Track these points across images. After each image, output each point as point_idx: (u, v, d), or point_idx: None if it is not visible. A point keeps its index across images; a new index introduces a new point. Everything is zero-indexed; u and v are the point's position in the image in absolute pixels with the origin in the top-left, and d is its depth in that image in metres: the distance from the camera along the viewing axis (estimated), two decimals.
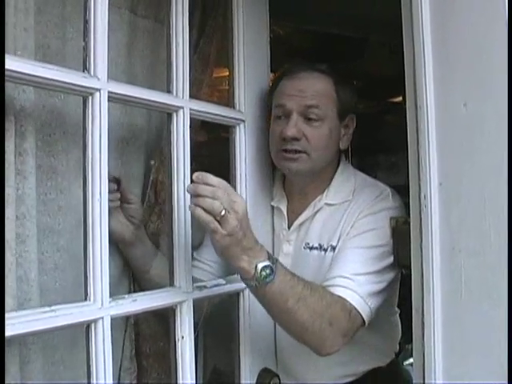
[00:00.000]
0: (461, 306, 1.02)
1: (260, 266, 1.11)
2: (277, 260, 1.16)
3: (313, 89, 1.41)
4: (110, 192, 1.27)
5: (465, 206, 1.02)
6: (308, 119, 1.40)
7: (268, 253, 1.15)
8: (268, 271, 1.11)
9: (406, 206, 1.20)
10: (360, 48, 2.81)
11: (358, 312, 1.27)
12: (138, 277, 1.43)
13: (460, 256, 1.03)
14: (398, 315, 1.59)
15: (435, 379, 1.04)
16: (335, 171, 1.49)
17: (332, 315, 1.22)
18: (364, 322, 1.29)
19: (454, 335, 1.03)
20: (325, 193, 1.47)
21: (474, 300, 1.01)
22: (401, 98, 3.10)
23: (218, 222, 1.04)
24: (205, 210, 1.03)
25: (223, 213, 1.03)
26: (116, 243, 1.36)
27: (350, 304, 1.26)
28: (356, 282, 1.28)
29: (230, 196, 1.05)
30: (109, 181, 1.26)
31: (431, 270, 1.05)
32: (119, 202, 1.34)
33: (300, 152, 1.39)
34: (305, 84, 1.42)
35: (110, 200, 1.26)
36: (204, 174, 1.05)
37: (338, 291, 1.27)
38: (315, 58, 2.74)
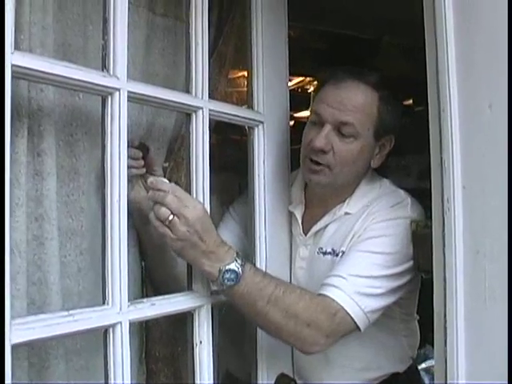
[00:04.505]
0: (485, 312, 1.00)
1: (223, 269, 1.12)
2: (246, 262, 1.16)
3: (352, 103, 1.33)
4: (133, 158, 1.21)
5: (489, 210, 1.00)
6: (341, 134, 1.34)
7: (237, 255, 1.14)
8: (231, 275, 1.12)
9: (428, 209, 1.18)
10: (372, 49, 2.78)
11: (347, 313, 1.23)
12: (161, 274, 1.37)
13: (484, 260, 1.01)
14: (416, 321, 1.56)
15: None
16: (360, 181, 1.44)
17: (310, 317, 1.20)
18: (355, 323, 1.24)
19: (478, 341, 1.01)
20: (346, 201, 1.43)
21: (498, 305, 0.98)
22: (411, 101, 3.08)
23: (168, 226, 1.06)
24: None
25: (170, 218, 1.06)
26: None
27: (338, 304, 1.22)
28: (349, 282, 1.24)
29: (181, 201, 1.07)
30: (134, 146, 1.22)
31: (454, 275, 1.03)
32: (143, 171, 1.27)
33: (322, 165, 1.35)
34: (346, 95, 1.34)
35: (132, 167, 1.21)
36: (157, 179, 1.08)
37: (327, 290, 1.24)
38: (327, 59, 2.73)
